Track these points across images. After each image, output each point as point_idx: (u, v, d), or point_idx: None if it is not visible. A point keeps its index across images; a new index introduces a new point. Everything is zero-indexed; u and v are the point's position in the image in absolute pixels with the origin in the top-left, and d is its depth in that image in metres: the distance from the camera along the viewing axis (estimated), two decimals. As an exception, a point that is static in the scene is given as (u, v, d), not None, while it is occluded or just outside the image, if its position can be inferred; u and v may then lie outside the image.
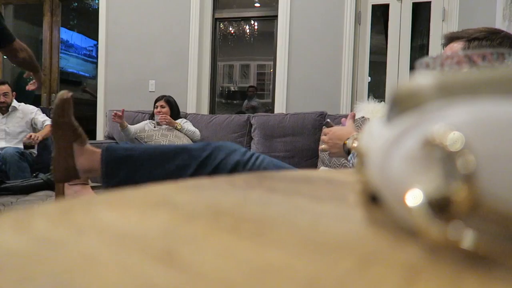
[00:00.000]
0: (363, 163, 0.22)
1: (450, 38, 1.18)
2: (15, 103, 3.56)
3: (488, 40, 1.10)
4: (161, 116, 3.23)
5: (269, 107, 5.33)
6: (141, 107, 3.96)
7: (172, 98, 3.51)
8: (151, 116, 3.51)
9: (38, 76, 2.59)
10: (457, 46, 1.14)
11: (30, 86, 2.64)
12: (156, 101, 3.47)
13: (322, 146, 1.31)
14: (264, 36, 5.31)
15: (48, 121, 3.56)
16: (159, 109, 3.38)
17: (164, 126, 3.24)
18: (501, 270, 0.14)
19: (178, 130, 3.24)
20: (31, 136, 3.33)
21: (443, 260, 0.15)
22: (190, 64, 4.12)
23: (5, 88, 3.51)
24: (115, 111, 3.10)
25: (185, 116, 3.68)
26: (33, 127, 3.62)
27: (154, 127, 3.39)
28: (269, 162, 1.30)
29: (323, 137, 1.31)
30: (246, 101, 5.42)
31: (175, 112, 3.46)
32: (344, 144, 1.21)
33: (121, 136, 3.67)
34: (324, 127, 1.34)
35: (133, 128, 3.34)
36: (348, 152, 1.20)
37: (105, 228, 0.19)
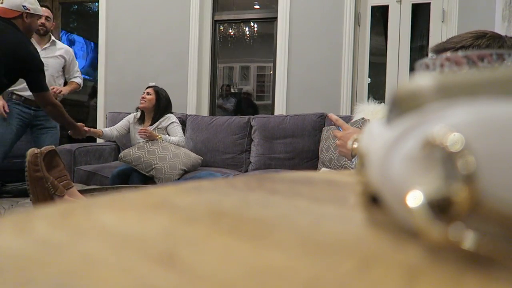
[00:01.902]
0: (364, 164, 0.22)
1: (438, 51, 1.17)
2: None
3: (475, 47, 1.09)
4: (140, 131, 2.99)
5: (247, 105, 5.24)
6: (141, 109, 3.96)
7: (164, 91, 3.30)
8: (137, 108, 3.34)
9: (76, 132, 2.83)
10: None
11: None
12: (146, 88, 3.30)
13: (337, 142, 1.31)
14: (264, 38, 5.31)
15: (78, 78, 3.40)
16: (144, 95, 3.22)
17: (149, 142, 2.98)
18: (502, 270, 0.14)
19: (161, 141, 3.02)
20: (53, 88, 3.10)
21: (444, 261, 0.15)
22: (190, 66, 4.12)
23: (47, 12, 3.22)
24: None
25: (186, 118, 3.67)
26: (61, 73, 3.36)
27: (137, 121, 3.26)
28: None
29: (337, 133, 1.30)
30: (221, 100, 5.27)
31: (161, 105, 3.22)
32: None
33: (121, 139, 3.67)
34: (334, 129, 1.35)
35: (114, 130, 3.24)
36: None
37: (105, 230, 0.19)
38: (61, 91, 3.18)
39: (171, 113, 3.31)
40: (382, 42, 3.88)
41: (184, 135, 3.38)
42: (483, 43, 1.08)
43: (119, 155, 2.97)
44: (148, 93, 3.21)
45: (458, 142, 0.14)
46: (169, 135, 3.18)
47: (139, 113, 3.30)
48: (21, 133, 3.09)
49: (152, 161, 2.85)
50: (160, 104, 3.22)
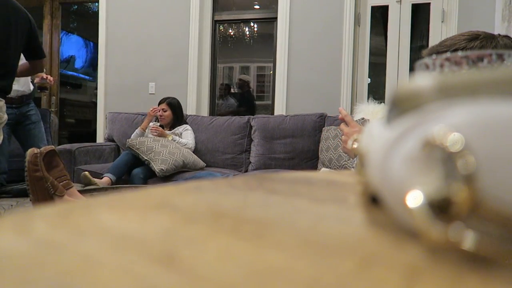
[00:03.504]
0: (364, 164, 0.22)
1: (431, 55, 1.13)
2: None
3: (468, 49, 1.06)
4: (152, 128, 3.27)
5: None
6: (141, 109, 3.97)
7: (176, 100, 3.51)
8: (156, 119, 3.53)
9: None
10: None
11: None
12: (159, 103, 3.48)
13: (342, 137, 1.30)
14: (264, 38, 5.30)
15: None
16: (160, 112, 3.41)
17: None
18: (502, 271, 0.14)
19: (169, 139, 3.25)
20: (43, 77, 3.03)
21: (444, 261, 0.15)
22: (190, 66, 4.12)
23: None
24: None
25: (186, 118, 3.69)
26: None
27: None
28: None
29: (344, 128, 1.29)
30: (221, 101, 5.21)
31: (178, 115, 3.48)
32: None
33: (121, 139, 3.69)
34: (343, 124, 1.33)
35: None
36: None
37: (106, 231, 0.19)
38: (52, 79, 3.14)
39: (186, 123, 3.55)
40: (382, 42, 3.87)
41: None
42: (476, 45, 1.06)
43: (126, 141, 3.14)
44: (163, 110, 3.43)
45: (458, 142, 0.14)
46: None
47: (158, 123, 3.49)
48: (11, 133, 3.08)
49: (154, 146, 3.03)
50: (178, 115, 3.49)
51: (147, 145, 3.03)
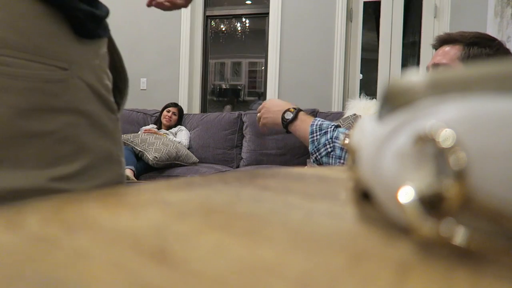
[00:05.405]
0: (355, 160, 0.22)
1: (444, 41, 1.13)
2: None
3: (487, 47, 1.06)
4: (145, 130, 3.38)
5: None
6: (133, 105, 3.95)
7: (180, 106, 3.69)
8: (156, 121, 3.60)
9: None
10: (450, 50, 1.08)
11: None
12: (168, 106, 3.58)
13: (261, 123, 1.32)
14: (256, 34, 5.29)
15: None
16: (170, 114, 3.54)
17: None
18: (493, 266, 0.14)
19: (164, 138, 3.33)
20: None
21: (435, 257, 0.15)
22: (182, 62, 4.11)
23: None
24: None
25: None
26: None
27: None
28: None
29: (259, 114, 1.32)
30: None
31: (181, 119, 3.64)
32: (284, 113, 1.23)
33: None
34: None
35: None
36: (284, 121, 1.21)
37: (97, 226, 0.19)
38: None
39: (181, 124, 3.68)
40: (374, 38, 3.88)
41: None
42: (493, 46, 1.06)
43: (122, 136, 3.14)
44: (174, 113, 3.58)
45: (449, 138, 0.15)
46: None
47: (155, 126, 3.58)
48: None
49: (148, 138, 3.11)
50: (182, 119, 3.65)
51: (141, 138, 3.09)
